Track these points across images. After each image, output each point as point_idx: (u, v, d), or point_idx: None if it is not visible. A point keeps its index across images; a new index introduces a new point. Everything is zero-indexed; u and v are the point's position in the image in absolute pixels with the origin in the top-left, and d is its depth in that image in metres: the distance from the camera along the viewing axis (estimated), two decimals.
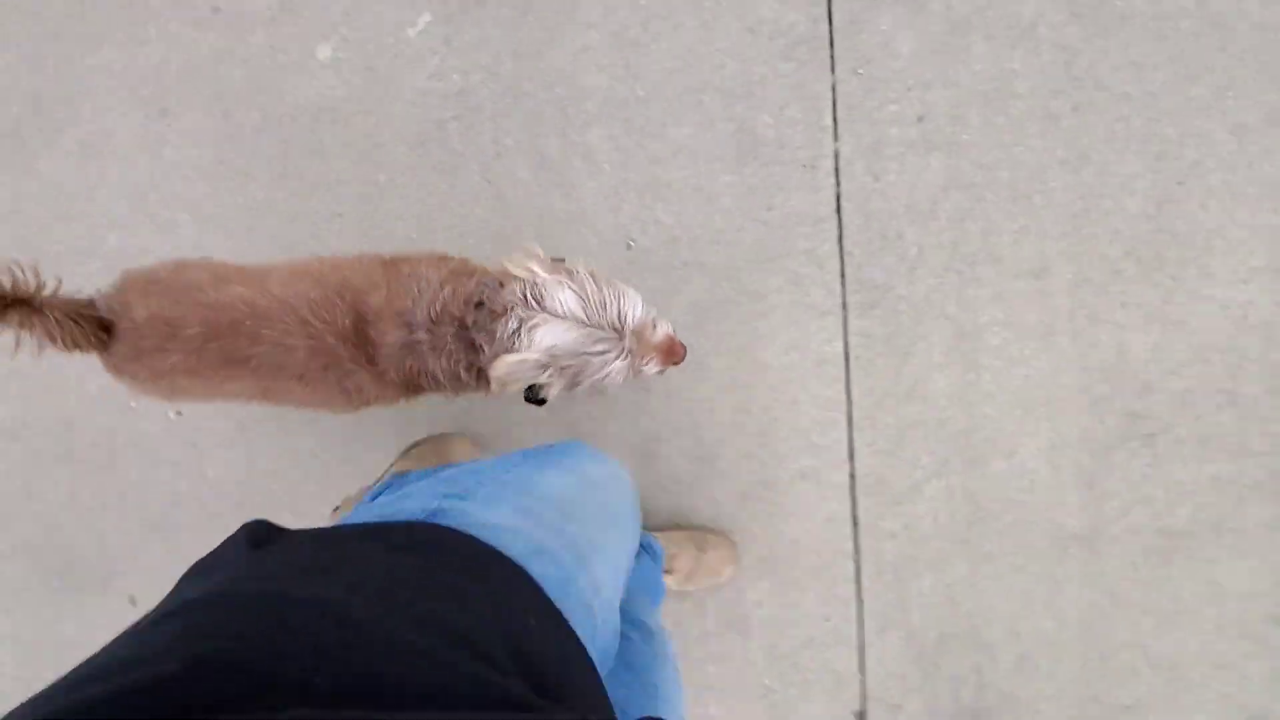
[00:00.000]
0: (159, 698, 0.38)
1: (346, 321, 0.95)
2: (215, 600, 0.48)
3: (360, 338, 0.96)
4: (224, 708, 0.38)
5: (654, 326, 0.97)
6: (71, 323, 0.91)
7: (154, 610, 0.50)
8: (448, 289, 0.96)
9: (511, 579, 0.58)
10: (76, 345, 0.93)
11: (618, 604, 0.72)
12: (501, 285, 0.93)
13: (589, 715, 0.51)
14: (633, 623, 0.99)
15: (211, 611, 0.46)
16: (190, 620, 0.46)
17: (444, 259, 1.03)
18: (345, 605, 0.46)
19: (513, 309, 0.90)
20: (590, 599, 0.64)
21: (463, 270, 1.00)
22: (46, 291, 0.90)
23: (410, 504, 0.66)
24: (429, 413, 1.47)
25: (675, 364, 0.99)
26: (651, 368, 0.97)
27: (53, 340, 0.91)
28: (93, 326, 0.94)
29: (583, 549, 0.67)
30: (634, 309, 0.92)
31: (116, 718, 0.37)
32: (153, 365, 0.96)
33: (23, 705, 0.40)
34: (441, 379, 0.97)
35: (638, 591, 1.13)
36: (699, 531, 1.44)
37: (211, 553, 0.60)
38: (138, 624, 0.48)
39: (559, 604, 0.59)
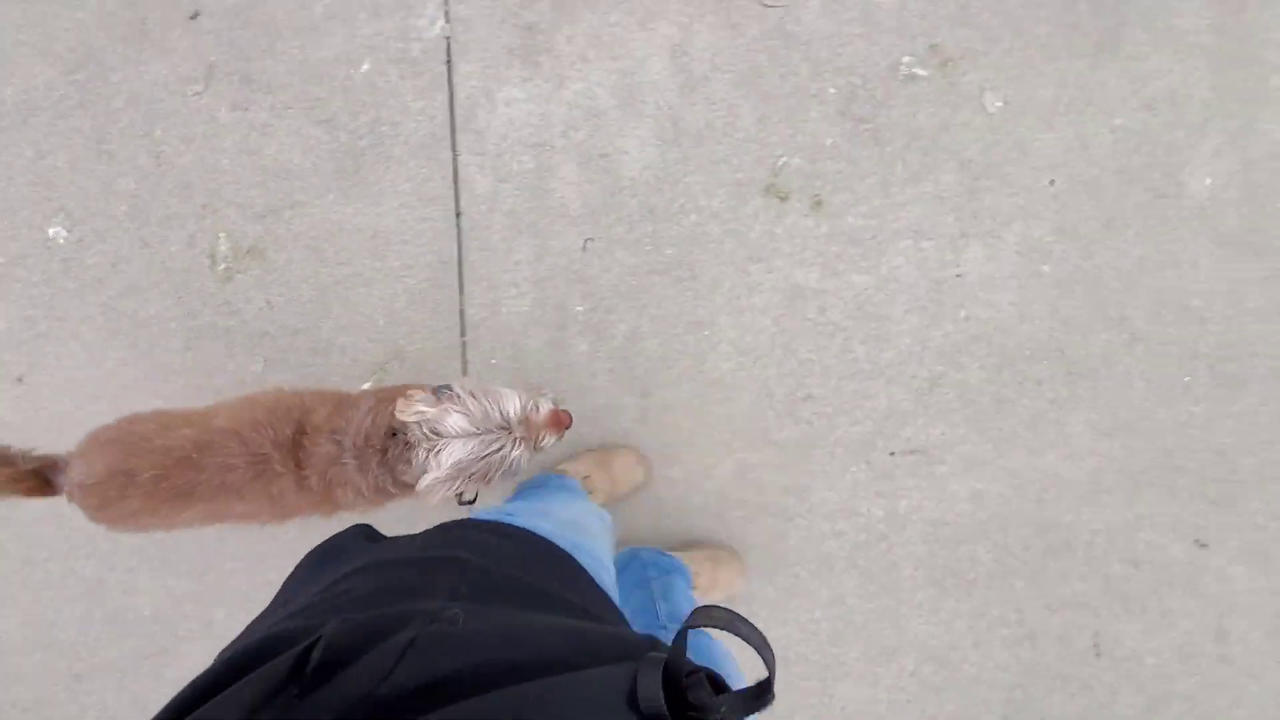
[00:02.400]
0: (367, 601, 0.63)
1: (288, 431, 1.10)
2: (374, 566, 0.71)
3: (295, 445, 1.10)
4: (409, 600, 0.62)
5: (537, 409, 1.10)
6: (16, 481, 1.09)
7: (298, 589, 0.76)
8: (370, 418, 1.10)
9: (564, 558, 0.85)
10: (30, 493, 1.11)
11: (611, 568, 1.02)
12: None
13: (621, 627, 0.75)
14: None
15: (377, 570, 0.70)
16: (363, 576, 0.69)
17: (390, 393, 1.15)
18: (467, 560, 0.71)
19: (419, 444, 1.05)
20: (606, 578, 0.91)
21: (387, 397, 1.13)
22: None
23: (479, 517, 0.94)
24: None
25: (566, 429, 1.13)
26: (549, 441, 1.11)
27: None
28: (29, 477, 1.11)
29: (589, 548, 0.94)
30: (512, 406, 1.06)
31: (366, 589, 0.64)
32: (118, 511, 1.09)
33: (274, 611, 0.68)
34: (365, 492, 1.10)
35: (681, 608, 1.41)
36: (712, 548, 1.63)
37: (329, 543, 0.88)
38: (307, 595, 0.69)
39: (596, 579, 0.87)
